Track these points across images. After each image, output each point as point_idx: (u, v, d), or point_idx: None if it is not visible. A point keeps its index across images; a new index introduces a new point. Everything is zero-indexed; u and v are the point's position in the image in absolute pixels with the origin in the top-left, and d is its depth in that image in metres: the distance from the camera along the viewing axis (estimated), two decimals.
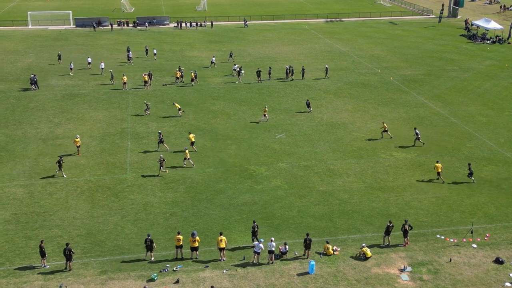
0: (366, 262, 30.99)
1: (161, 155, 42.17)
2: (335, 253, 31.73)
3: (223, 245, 30.81)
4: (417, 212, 36.43)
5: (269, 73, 65.63)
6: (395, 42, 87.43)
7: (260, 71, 65.04)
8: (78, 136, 45.50)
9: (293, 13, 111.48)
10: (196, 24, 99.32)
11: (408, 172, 42.05)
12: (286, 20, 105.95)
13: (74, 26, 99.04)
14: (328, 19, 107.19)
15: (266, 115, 52.27)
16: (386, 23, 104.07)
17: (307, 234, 31.35)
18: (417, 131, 46.83)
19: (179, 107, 53.61)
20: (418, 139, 46.70)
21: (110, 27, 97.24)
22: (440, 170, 40.29)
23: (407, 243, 32.64)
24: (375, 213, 36.30)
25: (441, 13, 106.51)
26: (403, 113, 55.06)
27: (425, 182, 40.51)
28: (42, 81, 64.54)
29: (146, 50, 77.32)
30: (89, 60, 70.19)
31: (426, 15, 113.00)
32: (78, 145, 44.58)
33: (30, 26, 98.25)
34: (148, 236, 30.96)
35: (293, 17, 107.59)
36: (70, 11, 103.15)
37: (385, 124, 48.46)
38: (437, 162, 41.14)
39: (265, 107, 53.46)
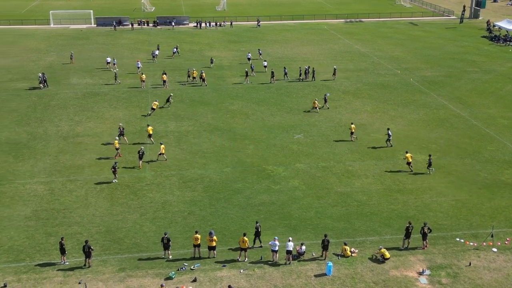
0: (384, 264, 30.79)
1: (142, 147, 43.08)
2: (353, 255, 31.57)
3: (245, 245, 30.83)
4: (436, 215, 36.08)
5: (285, 73, 65.64)
6: (416, 43, 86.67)
7: (273, 71, 65.12)
8: (117, 138, 45.20)
9: (312, 13, 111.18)
10: (216, 24, 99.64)
11: (428, 175, 41.64)
12: (305, 21, 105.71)
13: (95, 25, 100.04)
14: (348, 20, 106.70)
15: (317, 107, 54.48)
16: (406, 24, 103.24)
17: (325, 235, 31.25)
18: (389, 132, 46.54)
19: (156, 106, 54.18)
20: (389, 140, 46.43)
21: (130, 26, 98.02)
22: (410, 160, 41.78)
23: (426, 246, 32.34)
24: (394, 215, 36.04)
25: (463, 14, 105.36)
26: (423, 115, 54.57)
27: (445, 184, 40.11)
28: (63, 80, 65.32)
29: (175, 50, 77.62)
30: (108, 60, 70.74)
31: (447, 16, 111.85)
32: (117, 147, 43.84)
33: (52, 25, 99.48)
34: (165, 234, 31.13)
35: (313, 18, 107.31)
36: (91, 11, 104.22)
37: (353, 126, 48.12)
38: (407, 152, 42.52)
39: (316, 100, 55.44)
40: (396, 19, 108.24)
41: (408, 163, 41.91)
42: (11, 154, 44.78)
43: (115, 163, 40.71)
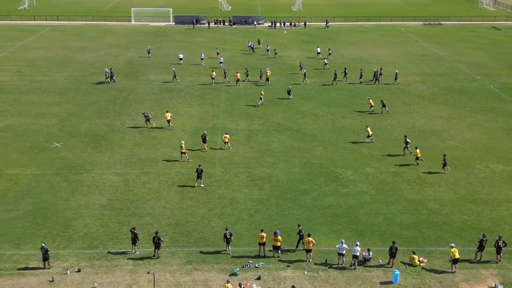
0: (454, 276, 29.74)
1: (205, 132, 46.11)
2: (421, 264, 30.73)
3: (310, 246, 30.78)
4: None
5: (345, 74, 64.90)
6: (498, 48, 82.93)
7: (336, 72, 64.51)
8: (183, 142, 44.18)
9: (389, 14, 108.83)
10: (290, 24, 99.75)
11: (506, 186, 39.81)
12: (381, 22, 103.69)
13: (174, 23, 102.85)
14: (427, 22, 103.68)
15: (372, 106, 55.04)
16: (488, 28, 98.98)
17: (393, 242, 30.59)
18: (407, 139, 45.01)
19: (263, 95, 56.73)
20: (407, 148, 44.82)
21: (207, 25, 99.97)
22: (419, 156, 42.75)
23: (500, 260, 30.96)
24: (467, 226, 34.72)
25: None
26: (502, 123, 52.17)
27: None
28: (141, 75, 67.66)
29: (267, 49, 79.18)
30: (180, 56, 72.73)
31: None
32: (183, 151, 43.38)
33: (132, 22, 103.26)
34: (226, 230, 31.56)
35: (390, 19, 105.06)
36: (171, 9, 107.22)
37: (368, 129, 47.08)
38: (416, 148, 43.51)
39: (370, 98, 56.14)
40: (478, 22, 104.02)
41: (417, 158, 42.82)
42: (90, 145, 46.95)
43: (199, 165, 40.13)
